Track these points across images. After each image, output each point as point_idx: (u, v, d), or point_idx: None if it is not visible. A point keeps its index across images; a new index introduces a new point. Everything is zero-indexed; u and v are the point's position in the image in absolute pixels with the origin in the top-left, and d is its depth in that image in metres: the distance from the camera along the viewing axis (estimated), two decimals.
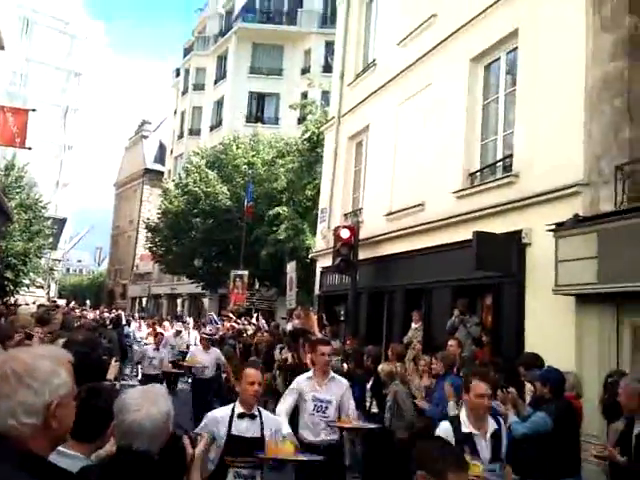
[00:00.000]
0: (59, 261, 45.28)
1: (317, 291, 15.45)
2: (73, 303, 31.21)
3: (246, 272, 20.84)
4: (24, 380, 1.68)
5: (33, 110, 16.44)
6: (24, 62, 47.06)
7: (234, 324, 16.54)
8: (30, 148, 16.87)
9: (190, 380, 12.95)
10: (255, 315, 19.12)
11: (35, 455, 1.67)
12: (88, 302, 32.36)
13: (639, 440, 4.66)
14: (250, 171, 24.28)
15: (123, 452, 2.36)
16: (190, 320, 23.02)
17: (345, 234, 11.99)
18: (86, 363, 3.50)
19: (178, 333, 17.36)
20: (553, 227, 7.53)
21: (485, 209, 9.26)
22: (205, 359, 11.60)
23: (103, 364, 4.11)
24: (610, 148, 7.25)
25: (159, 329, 16.55)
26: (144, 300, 45.97)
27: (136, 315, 26.96)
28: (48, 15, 50.18)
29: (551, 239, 7.52)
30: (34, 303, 21.51)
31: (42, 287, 36.51)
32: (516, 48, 9.53)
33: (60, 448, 2.45)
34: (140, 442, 2.34)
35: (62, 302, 32.13)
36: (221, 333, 15.85)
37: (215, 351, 11.95)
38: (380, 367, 7.96)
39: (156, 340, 13.07)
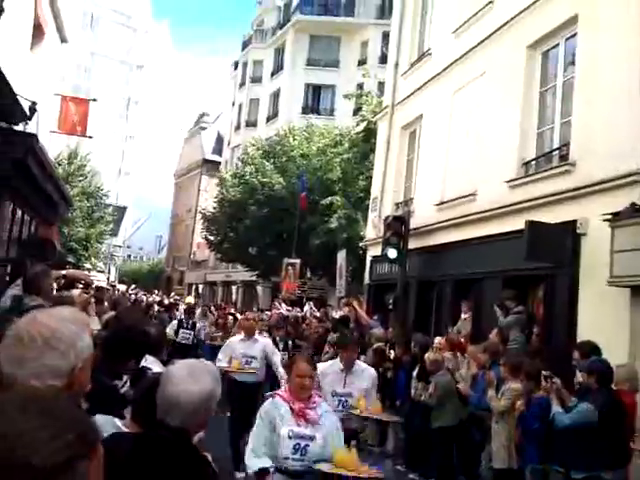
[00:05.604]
0: (119, 247, 46.83)
1: (367, 280, 15.46)
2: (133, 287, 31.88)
3: (298, 260, 20.98)
4: (50, 343, 1.66)
5: (94, 100, 16.96)
6: (88, 55, 48.68)
7: (283, 312, 16.59)
8: (91, 137, 17.41)
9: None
10: (309, 304, 19.19)
11: None
12: (123, 286, 32.61)
13: None
14: (304, 162, 24.34)
15: (156, 425, 2.28)
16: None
17: (395, 223, 12.00)
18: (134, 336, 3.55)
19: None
20: (609, 217, 7.31)
21: (539, 198, 9.05)
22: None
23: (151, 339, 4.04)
24: None
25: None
26: (200, 287, 46.98)
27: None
28: (111, 9, 51.76)
29: (607, 229, 7.30)
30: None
31: (103, 272, 37.83)
32: (575, 34, 9.25)
33: (119, 424, 2.54)
34: (172, 418, 2.23)
35: (123, 287, 33.13)
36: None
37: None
38: (427, 355, 7.94)
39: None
